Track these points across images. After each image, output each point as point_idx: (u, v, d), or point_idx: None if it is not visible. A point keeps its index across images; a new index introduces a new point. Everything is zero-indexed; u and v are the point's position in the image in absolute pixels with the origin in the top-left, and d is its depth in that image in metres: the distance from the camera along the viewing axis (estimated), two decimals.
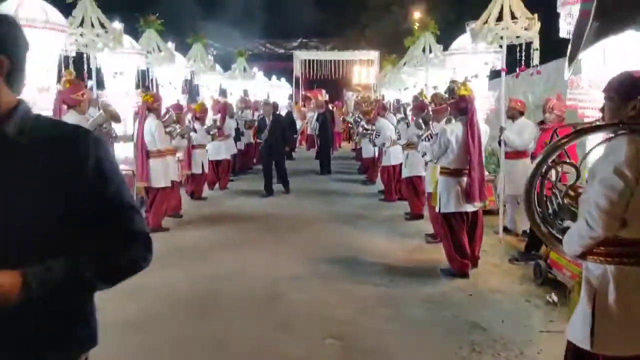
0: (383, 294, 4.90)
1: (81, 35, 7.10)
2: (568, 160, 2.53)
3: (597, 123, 2.40)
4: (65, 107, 4.74)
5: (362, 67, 26.66)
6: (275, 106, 12.95)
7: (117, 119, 5.18)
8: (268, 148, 10.35)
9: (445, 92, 5.52)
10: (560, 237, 2.41)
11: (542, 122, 5.99)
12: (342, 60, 25.80)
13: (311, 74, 25.60)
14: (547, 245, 2.70)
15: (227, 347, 3.87)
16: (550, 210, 2.49)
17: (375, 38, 31.26)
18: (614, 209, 2.10)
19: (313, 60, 25.60)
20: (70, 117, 4.68)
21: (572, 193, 2.44)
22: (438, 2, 29.49)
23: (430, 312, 4.51)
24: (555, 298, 4.54)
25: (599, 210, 2.12)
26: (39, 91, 5.84)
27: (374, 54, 25.05)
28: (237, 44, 35.27)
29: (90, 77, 7.50)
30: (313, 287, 5.08)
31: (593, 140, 2.87)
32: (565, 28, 3.76)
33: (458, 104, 5.13)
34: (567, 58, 2.75)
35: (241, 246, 6.54)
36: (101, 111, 5.02)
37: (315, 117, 16.10)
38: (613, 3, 2.22)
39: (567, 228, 2.37)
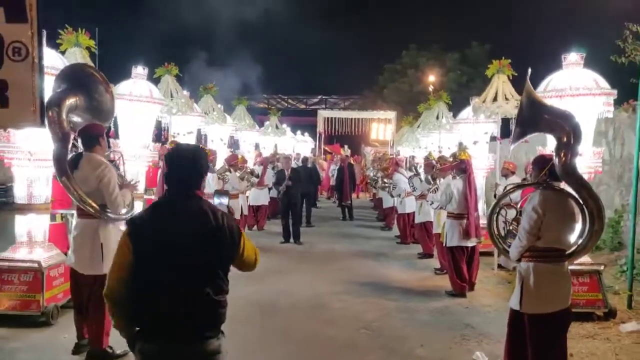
0: (401, 306, 6.53)
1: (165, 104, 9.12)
2: (511, 204, 4.24)
3: (526, 182, 4.13)
4: None
5: (380, 124, 28.59)
6: (304, 159, 14.89)
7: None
8: (286, 199, 11.16)
9: (450, 156, 7.30)
10: (508, 249, 4.10)
11: (524, 180, 7.71)
12: (362, 119, 27.85)
13: (333, 130, 27.63)
14: (503, 255, 4.33)
15: (290, 333, 5.52)
16: (503, 234, 4.19)
17: (392, 97, 33.61)
18: (531, 230, 3.79)
19: (335, 118, 27.70)
20: None
21: (515, 223, 4.14)
22: (451, 66, 31.90)
23: (435, 317, 6.14)
24: None
25: (524, 230, 3.82)
26: (141, 148, 7.78)
27: (391, 114, 27.05)
28: (260, 98, 38.14)
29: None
30: (347, 299, 6.74)
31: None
32: None
33: (459, 165, 6.91)
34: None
35: (285, 273, 8.20)
36: None
37: (336, 169, 18.06)
38: (527, 116, 3.96)
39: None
